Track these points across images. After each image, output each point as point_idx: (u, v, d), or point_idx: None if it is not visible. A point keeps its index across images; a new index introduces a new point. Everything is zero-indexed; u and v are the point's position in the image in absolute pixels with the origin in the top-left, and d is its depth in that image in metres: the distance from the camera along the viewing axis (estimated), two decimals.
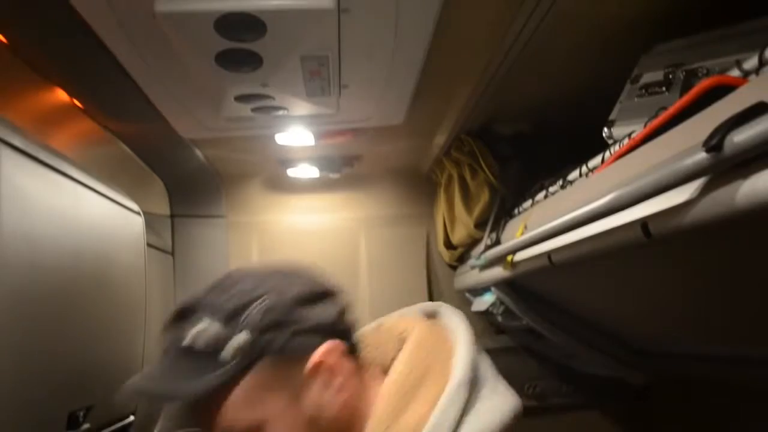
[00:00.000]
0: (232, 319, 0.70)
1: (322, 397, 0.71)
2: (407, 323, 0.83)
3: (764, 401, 1.55)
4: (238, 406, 0.68)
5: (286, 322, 0.70)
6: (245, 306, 0.70)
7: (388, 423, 0.69)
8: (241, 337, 0.69)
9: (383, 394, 0.73)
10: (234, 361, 0.68)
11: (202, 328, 0.70)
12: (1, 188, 0.89)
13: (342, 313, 0.78)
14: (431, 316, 0.90)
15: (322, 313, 0.74)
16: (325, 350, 0.73)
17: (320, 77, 1.29)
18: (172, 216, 2.21)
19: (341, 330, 0.77)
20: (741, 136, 0.62)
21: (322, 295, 0.77)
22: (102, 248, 1.29)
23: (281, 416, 0.69)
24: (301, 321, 0.71)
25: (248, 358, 0.69)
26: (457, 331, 0.84)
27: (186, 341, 0.70)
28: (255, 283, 0.73)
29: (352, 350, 0.77)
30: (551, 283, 1.56)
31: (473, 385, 0.74)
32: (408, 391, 0.72)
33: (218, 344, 0.69)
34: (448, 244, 2.20)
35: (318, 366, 0.72)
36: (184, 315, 0.75)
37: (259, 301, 0.70)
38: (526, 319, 1.73)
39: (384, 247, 2.36)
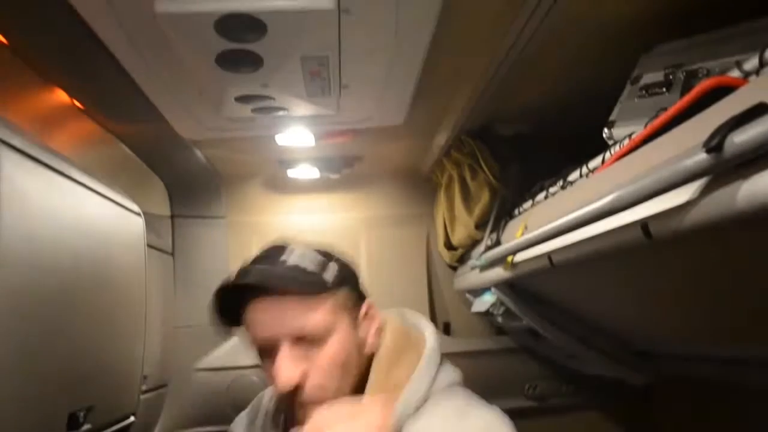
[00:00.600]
0: (324, 257, 0.98)
1: (368, 334, 0.98)
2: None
3: (764, 401, 1.55)
4: (322, 313, 0.91)
5: (353, 274, 1.01)
6: (330, 254, 1.00)
7: (382, 378, 0.92)
8: (335, 267, 0.97)
9: (376, 360, 0.96)
10: (333, 280, 0.94)
11: (309, 254, 0.97)
12: (1, 189, 0.89)
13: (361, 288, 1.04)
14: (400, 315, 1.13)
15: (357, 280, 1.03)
16: (371, 302, 1.01)
17: (320, 78, 1.29)
18: (172, 216, 2.21)
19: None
20: (741, 137, 0.62)
21: (351, 269, 1.05)
22: (102, 249, 1.29)
23: (343, 333, 0.93)
24: (357, 279, 1.02)
25: (338, 284, 0.95)
26: (421, 324, 1.09)
27: (295, 260, 0.95)
28: (306, 245, 1.03)
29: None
30: (551, 284, 1.56)
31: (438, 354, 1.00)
32: (392, 358, 0.96)
33: (321, 267, 0.95)
34: (449, 245, 2.20)
35: (369, 310, 1.00)
36: (281, 247, 1.01)
37: (336, 256, 1.01)
38: (526, 320, 1.73)
39: (384, 247, 2.36)
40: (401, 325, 1.05)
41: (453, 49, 1.29)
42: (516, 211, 1.65)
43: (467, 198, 1.92)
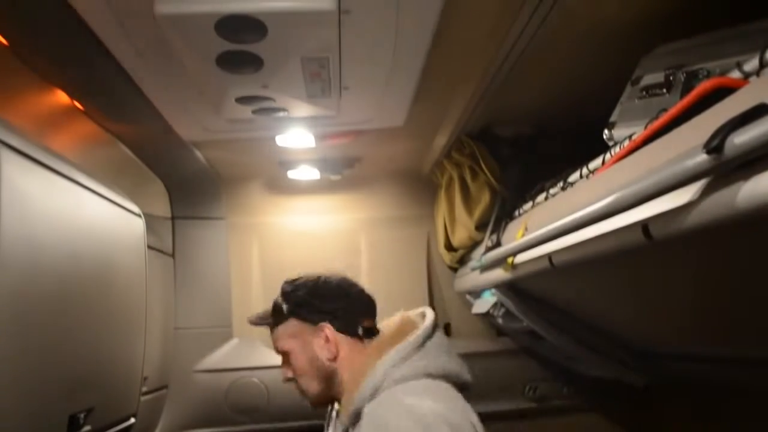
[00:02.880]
0: (285, 296, 1.28)
1: (318, 350, 1.22)
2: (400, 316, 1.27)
3: (764, 401, 1.55)
4: (282, 336, 1.26)
5: (306, 303, 1.26)
6: (290, 292, 1.28)
7: (364, 369, 1.14)
8: (286, 306, 1.27)
9: (368, 352, 1.19)
10: (285, 313, 1.26)
11: (279, 300, 1.29)
12: (1, 190, 0.89)
13: (346, 308, 1.25)
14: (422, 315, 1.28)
15: (330, 306, 1.25)
16: (324, 326, 1.23)
17: (321, 79, 1.29)
18: (172, 218, 2.21)
19: (343, 318, 1.24)
20: (742, 138, 0.62)
21: (338, 296, 1.27)
22: (102, 250, 1.29)
23: (298, 351, 1.24)
24: (312, 307, 1.25)
25: (287, 316, 1.26)
26: (424, 319, 1.22)
27: (274, 303, 1.30)
28: (300, 282, 1.29)
29: (353, 333, 1.23)
30: (552, 285, 1.56)
31: (417, 348, 1.13)
32: (381, 349, 1.16)
33: (284, 299, 1.28)
34: (449, 246, 2.20)
35: (319, 331, 1.23)
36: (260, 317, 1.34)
37: (297, 290, 1.27)
38: (526, 321, 1.73)
39: (384, 249, 2.36)
40: (402, 320, 1.23)
41: (453, 50, 1.29)
42: (516, 213, 1.65)
43: (467, 199, 1.92)
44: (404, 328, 1.19)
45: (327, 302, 1.24)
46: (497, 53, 1.26)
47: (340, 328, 1.23)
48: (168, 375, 2.04)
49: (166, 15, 1.01)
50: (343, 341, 1.22)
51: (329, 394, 1.24)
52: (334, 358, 1.21)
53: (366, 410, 1.06)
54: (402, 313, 1.27)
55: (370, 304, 1.29)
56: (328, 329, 1.22)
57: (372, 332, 1.23)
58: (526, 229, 1.41)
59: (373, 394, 1.08)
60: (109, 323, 1.33)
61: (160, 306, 1.96)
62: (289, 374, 1.26)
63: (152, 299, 1.66)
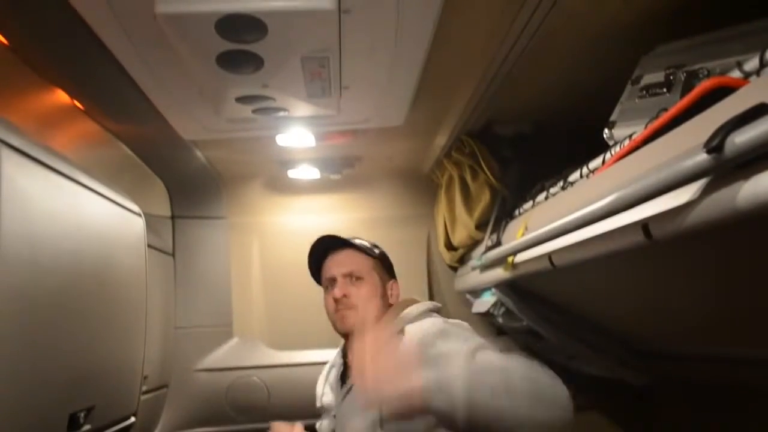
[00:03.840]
0: (372, 245, 1.53)
1: (389, 290, 1.48)
2: None
3: (764, 401, 1.55)
4: (365, 264, 1.46)
5: (388, 261, 1.54)
6: (375, 245, 1.54)
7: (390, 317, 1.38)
8: (378, 250, 1.53)
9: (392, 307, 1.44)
10: (375, 254, 1.50)
11: (363, 241, 1.53)
12: (1, 190, 0.89)
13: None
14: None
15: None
16: (395, 282, 1.52)
17: (321, 78, 1.29)
18: (172, 217, 2.21)
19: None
20: (742, 137, 0.62)
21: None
22: (103, 249, 1.29)
23: (373, 282, 1.45)
24: (390, 265, 1.55)
25: (377, 257, 1.51)
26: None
27: (357, 241, 1.51)
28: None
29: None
30: (552, 285, 1.56)
31: (425, 314, 1.37)
32: (401, 305, 1.41)
33: (370, 245, 1.52)
34: (449, 246, 2.20)
35: (393, 283, 1.51)
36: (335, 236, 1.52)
37: (379, 248, 1.55)
38: (526, 321, 1.73)
39: (384, 248, 2.34)
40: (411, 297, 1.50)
41: (453, 49, 1.29)
42: (516, 212, 1.65)
43: (468, 198, 1.92)
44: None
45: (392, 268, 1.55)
46: (497, 52, 1.26)
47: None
48: (168, 374, 2.04)
49: (166, 14, 1.01)
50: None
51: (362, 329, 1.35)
52: (391, 304, 1.45)
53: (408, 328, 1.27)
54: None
55: None
56: (396, 285, 1.51)
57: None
58: (526, 228, 1.41)
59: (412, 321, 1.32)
60: (110, 322, 1.33)
61: (161, 305, 1.96)
62: (351, 293, 1.41)
63: (152, 298, 1.66)
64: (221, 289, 2.22)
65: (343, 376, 1.47)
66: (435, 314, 1.39)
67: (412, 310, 1.36)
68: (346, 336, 1.45)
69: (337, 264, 1.46)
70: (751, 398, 1.60)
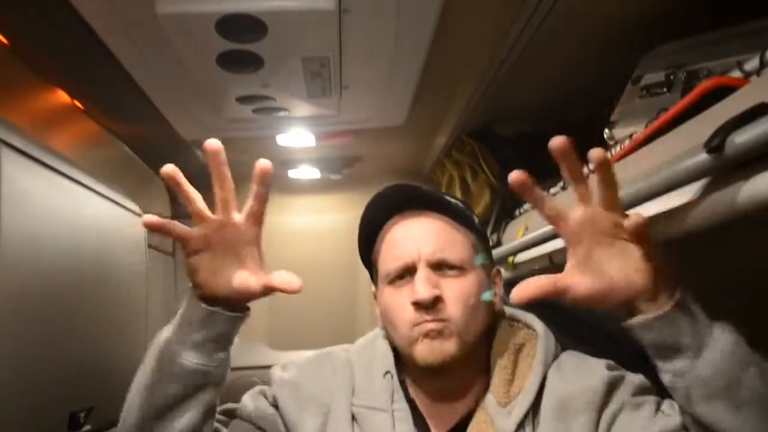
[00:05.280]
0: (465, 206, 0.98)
1: (498, 290, 0.96)
2: None
3: None
4: (468, 246, 0.93)
5: (487, 240, 1.03)
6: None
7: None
8: (476, 218, 0.98)
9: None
10: (477, 227, 0.96)
11: (458, 202, 0.97)
12: (2, 190, 0.89)
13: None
14: None
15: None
16: (498, 270, 1.00)
17: (321, 78, 1.29)
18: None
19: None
20: (742, 137, 0.62)
21: None
22: (103, 249, 1.29)
23: (478, 275, 0.91)
24: (489, 245, 1.03)
25: (480, 233, 0.97)
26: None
27: (454, 201, 0.95)
28: None
29: None
30: None
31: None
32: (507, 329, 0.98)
33: (471, 215, 0.97)
34: None
35: (497, 273, 0.99)
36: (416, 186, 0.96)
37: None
38: None
39: None
40: None
41: (453, 49, 1.29)
42: (517, 212, 1.65)
43: (468, 198, 1.92)
44: None
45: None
46: (497, 52, 1.26)
47: None
48: None
49: (167, 14, 1.01)
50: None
51: (462, 356, 0.86)
52: (494, 314, 0.94)
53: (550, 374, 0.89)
54: None
55: None
56: (499, 277, 0.98)
57: None
58: (526, 228, 1.41)
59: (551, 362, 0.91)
60: (110, 322, 1.33)
61: (161, 305, 1.96)
62: (439, 292, 0.86)
63: (153, 298, 1.66)
64: None
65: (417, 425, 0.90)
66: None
67: (544, 344, 0.93)
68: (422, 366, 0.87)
69: (418, 240, 0.90)
70: None
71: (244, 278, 0.85)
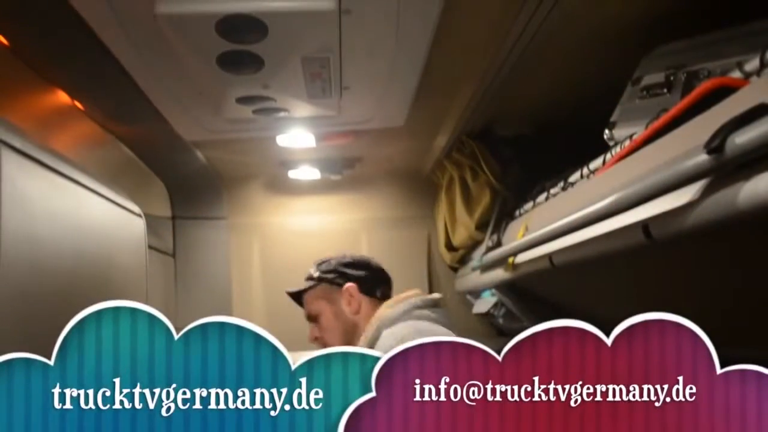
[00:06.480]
0: (315, 268, 1.48)
1: (344, 305, 1.42)
2: None
3: None
4: (312, 300, 1.46)
5: (333, 271, 1.45)
6: (319, 264, 1.48)
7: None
8: (317, 274, 1.46)
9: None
10: (315, 280, 1.45)
11: (310, 271, 1.48)
12: (2, 190, 0.89)
13: (366, 276, 1.44)
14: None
15: (354, 273, 1.44)
16: (349, 285, 1.43)
17: (321, 79, 1.29)
18: (173, 218, 2.21)
19: (364, 283, 1.43)
20: (742, 138, 0.62)
21: (360, 267, 1.46)
22: (103, 250, 1.29)
23: (326, 309, 1.43)
24: (339, 273, 1.44)
25: (317, 282, 1.45)
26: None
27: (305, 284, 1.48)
28: (328, 258, 1.49)
29: (371, 294, 1.43)
30: (552, 285, 1.56)
31: (406, 314, 1.33)
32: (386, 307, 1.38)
33: (311, 276, 1.47)
34: (450, 246, 2.20)
35: (344, 291, 1.43)
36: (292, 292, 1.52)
37: (325, 263, 1.47)
38: (527, 322, 1.73)
39: (385, 249, 2.35)
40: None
41: (454, 50, 1.29)
42: (517, 213, 1.65)
43: (468, 199, 1.92)
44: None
45: (350, 269, 1.45)
46: (498, 53, 1.26)
47: (361, 290, 1.42)
48: None
49: (166, 15, 1.01)
50: (364, 300, 1.42)
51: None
52: (357, 312, 1.40)
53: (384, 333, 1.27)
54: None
55: (387, 278, 1.49)
56: (351, 288, 1.42)
57: (388, 296, 1.45)
58: (526, 229, 1.41)
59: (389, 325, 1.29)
60: None
61: (161, 306, 1.96)
62: (316, 333, 1.44)
63: (153, 299, 1.66)
64: (222, 289, 2.22)
65: None
66: (422, 311, 1.34)
67: (388, 313, 1.33)
68: None
69: (305, 312, 1.51)
70: None
71: None
